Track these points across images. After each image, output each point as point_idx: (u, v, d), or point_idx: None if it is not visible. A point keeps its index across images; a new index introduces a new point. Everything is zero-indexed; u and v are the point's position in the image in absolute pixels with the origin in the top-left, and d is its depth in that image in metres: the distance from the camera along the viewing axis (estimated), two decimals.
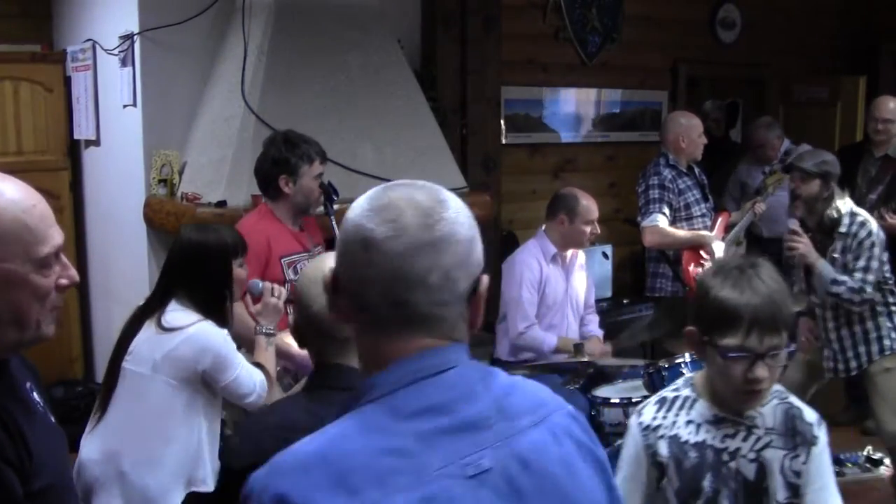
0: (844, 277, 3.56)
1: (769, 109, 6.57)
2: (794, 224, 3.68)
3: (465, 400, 1.12)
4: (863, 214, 3.67)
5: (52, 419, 1.62)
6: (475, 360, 1.19)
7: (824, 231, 3.65)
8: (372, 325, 1.14)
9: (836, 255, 3.62)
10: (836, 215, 3.61)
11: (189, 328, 2.58)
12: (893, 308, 3.71)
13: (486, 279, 1.18)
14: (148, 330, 2.63)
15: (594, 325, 4.31)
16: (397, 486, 1.04)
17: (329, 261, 1.33)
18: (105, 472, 2.59)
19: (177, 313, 2.61)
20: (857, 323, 3.70)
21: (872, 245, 3.56)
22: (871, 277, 3.54)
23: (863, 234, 3.57)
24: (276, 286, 2.89)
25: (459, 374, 1.14)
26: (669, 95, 5.96)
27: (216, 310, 2.66)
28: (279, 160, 3.21)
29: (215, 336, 2.62)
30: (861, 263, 3.55)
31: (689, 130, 4.49)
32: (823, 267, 3.60)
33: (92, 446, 2.63)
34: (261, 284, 2.89)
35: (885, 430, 3.82)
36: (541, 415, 1.17)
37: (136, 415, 2.61)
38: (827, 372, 3.83)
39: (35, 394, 1.58)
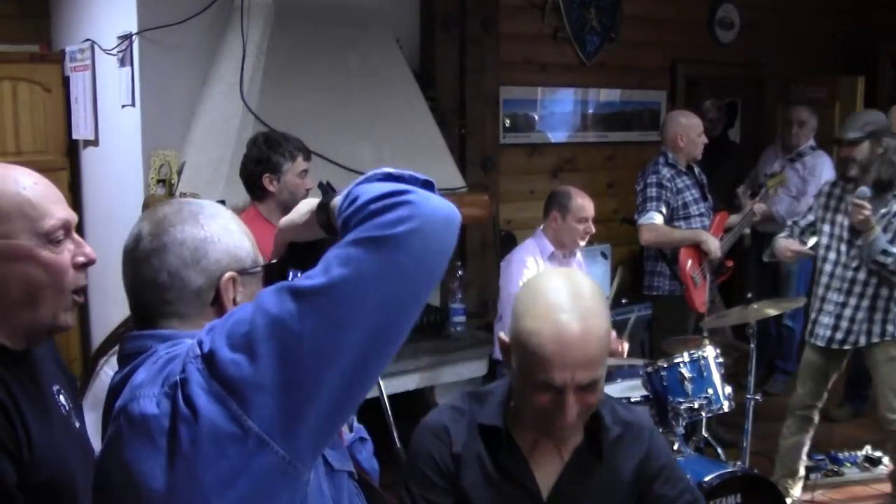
0: (895, 250, 3.64)
1: (768, 109, 6.58)
2: (864, 193, 3.67)
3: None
4: None
5: (77, 425, 1.62)
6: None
7: (882, 187, 3.72)
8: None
9: (886, 215, 3.69)
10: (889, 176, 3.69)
11: None
12: None
13: (226, 277, 1.32)
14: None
15: None
16: None
17: None
18: None
19: None
20: (871, 298, 3.78)
21: None
22: None
23: None
24: None
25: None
26: (668, 95, 5.96)
27: None
28: (261, 159, 3.24)
29: None
30: None
31: (689, 129, 4.49)
32: (879, 236, 3.66)
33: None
34: None
35: (887, 417, 3.88)
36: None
37: None
38: (819, 339, 3.91)
39: (62, 397, 1.58)
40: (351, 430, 1.48)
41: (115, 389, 1.27)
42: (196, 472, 1.13)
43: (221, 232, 1.33)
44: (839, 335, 3.84)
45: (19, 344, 1.50)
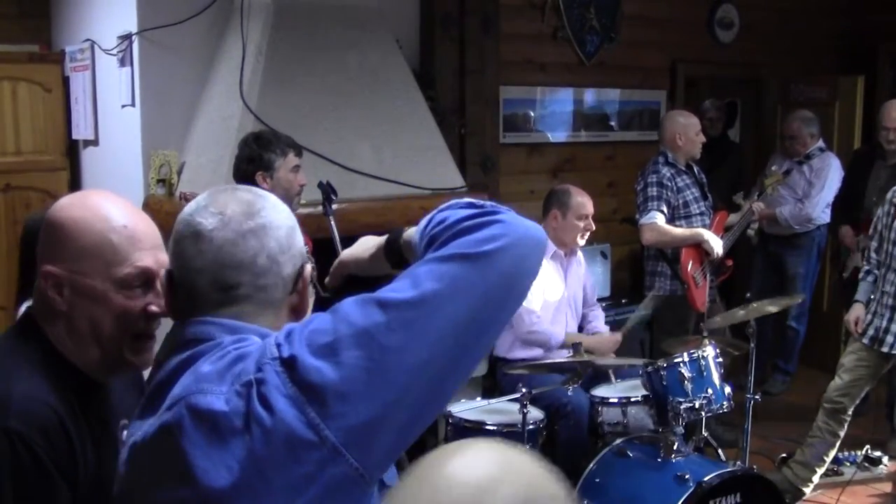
0: None
1: (767, 109, 6.58)
2: None
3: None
4: None
5: None
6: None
7: None
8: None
9: None
10: None
11: None
12: None
13: (308, 268, 1.31)
14: None
15: (600, 322, 4.32)
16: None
17: None
18: None
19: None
20: None
21: None
22: None
23: None
24: None
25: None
26: (668, 95, 5.96)
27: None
28: (253, 158, 3.27)
29: None
30: None
31: (687, 129, 4.50)
32: None
33: None
34: None
35: None
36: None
37: None
38: (865, 339, 3.91)
39: (125, 433, 1.58)
40: None
41: (175, 372, 1.23)
42: (267, 475, 1.11)
43: (295, 223, 1.32)
44: (889, 338, 3.83)
45: (96, 375, 1.52)
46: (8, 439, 1.35)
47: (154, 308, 1.49)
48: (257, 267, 1.24)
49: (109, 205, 1.50)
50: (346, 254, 1.47)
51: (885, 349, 3.85)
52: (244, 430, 1.13)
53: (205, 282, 1.25)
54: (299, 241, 1.30)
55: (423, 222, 1.25)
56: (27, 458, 1.36)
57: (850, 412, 4.00)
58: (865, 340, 3.91)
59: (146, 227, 1.51)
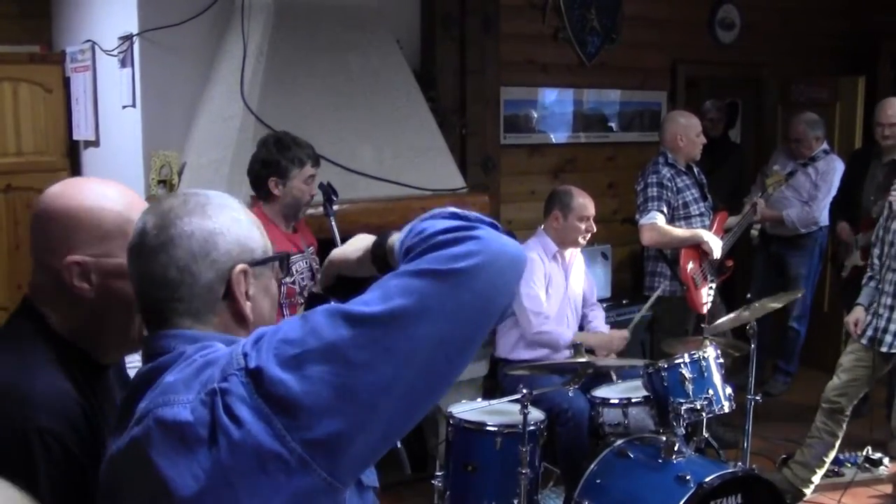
0: None
1: (768, 110, 6.58)
2: None
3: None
4: None
5: None
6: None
7: None
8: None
9: None
10: None
11: None
12: None
13: (238, 269, 1.27)
14: None
15: (600, 321, 4.31)
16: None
17: None
18: None
19: None
20: None
21: None
22: None
23: None
24: None
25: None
26: (668, 96, 5.96)
27: None
28: (269, 162, 3.22)
29: None
30: None
31: (688, 129, 4.50)
32: None
33: None
34: None
35: None
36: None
37: None
38: (864, 339, 3.91)
39: None
40: None
41: (138, 386, 1.24)
42: (233, 484, 1.12)
43: (230, 223, 1.29)
44: (888, 338, 3.83)
45: (108, 355, 1.55)
46: (41, 439, 1.36)
47: None
48: (169, 281, 1.25)
49: (104, 187, 1.55)
50: (336, 253, 1.46)
51: (884, 349, 3.85)
52: (210, 440, 1.12)
53: (138, 298, 1.30)
54: (226, 245, 1.27)
55: (406, 230, 1.23)
56: (60, 454, 1.37)
57: (847, 412, 4.00)
58: (864, 341, 3.91)
59: (142, 200, 1.57)
